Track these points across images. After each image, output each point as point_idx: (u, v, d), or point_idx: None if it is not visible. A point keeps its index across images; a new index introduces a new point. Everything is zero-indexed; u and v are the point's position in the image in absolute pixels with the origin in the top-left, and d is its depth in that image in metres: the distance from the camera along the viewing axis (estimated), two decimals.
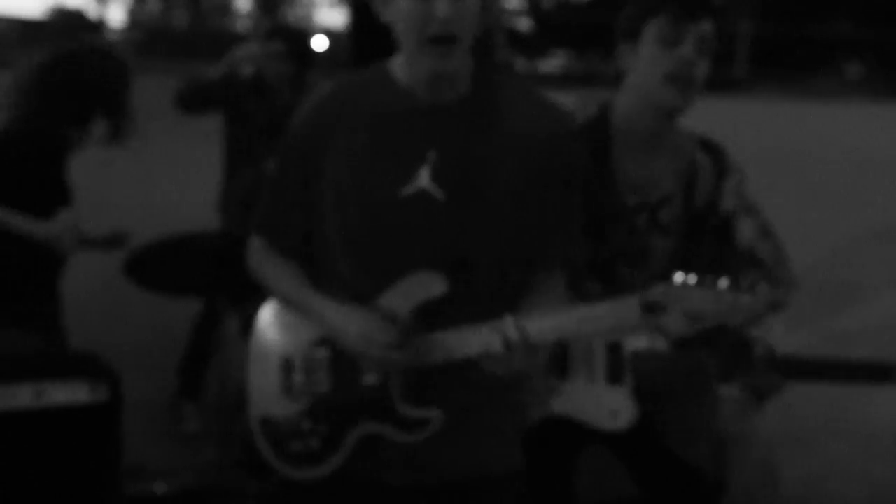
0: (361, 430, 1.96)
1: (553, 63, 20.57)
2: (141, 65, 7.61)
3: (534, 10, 20.27)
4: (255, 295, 4.42)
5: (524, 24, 20.91)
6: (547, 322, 1.83)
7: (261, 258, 2.12)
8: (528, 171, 1.95)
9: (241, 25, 33.04)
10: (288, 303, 2.08)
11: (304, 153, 2.01)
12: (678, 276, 1.73)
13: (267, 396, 2.07)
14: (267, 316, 2.17)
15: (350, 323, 1.92)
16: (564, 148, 1.98)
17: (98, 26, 14.93)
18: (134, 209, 5.80)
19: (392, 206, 1.93)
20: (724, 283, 1.70)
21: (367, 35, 6.67)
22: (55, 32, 17.44)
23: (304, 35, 4.57)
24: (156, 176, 5.93)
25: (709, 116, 4.52)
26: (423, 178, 1.92)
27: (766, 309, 1.71)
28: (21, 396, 3.36)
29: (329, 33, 28.60)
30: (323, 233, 2.01)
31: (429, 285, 1.91)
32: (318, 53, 4.69)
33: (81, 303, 5.05)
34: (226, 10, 33.29)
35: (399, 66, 1.98)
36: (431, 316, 1.90)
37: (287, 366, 2.05)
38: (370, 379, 1.95)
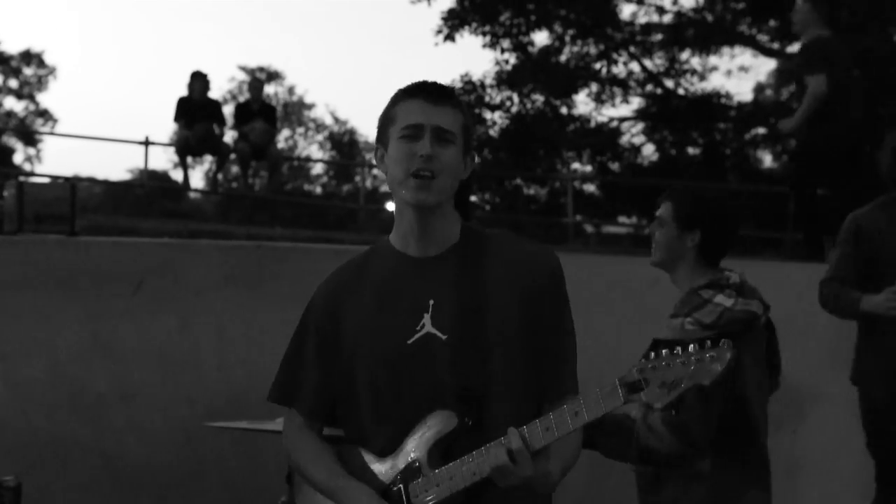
0: None
1: (621, 226, 20.75)
2: (223, 230, 7.90)
3: (602, 173, 20.60)
4: None
5: (593, 188, 21.24)
6: (544, 424, 1.98)
7: (292, 437, 2.30)
8: (516, 302, 2.14)
9: (318, 189, 34.03)
10: (318, 488, 2.23)
11: (319, 327, 2.26)
12: (650, 354, 1.87)
13: None
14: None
15: None
16: (546, 282, 2.18)
17: (181, 189, 15.48)
18: (210, 370, 5.93)
19: (403, 353, 2.14)
20: (690, 348, 1.82)
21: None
22: (141, 194, 18.13)
23: None
24: (233, 338, 6.07)
25: None
26: (427, 324, 2.14)
27: (733, 363, 1.81)
28: None
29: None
30: (347, 393, 2.22)
31: (441, 422, 2.08)
32: None
33: None
34: (303, 173, 34.38)
35: (393, 234, 2.25)
36: (450, 451, 2.08)
37: None
38: None
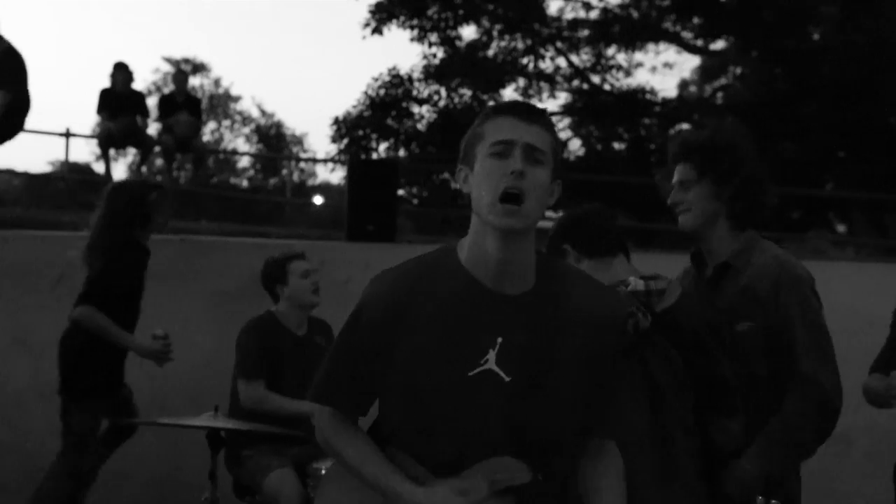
0: None
1: (547, 220, 20.86)
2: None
3: None
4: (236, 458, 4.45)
5: None
6: None
7: (333, 431, 2.23)
8: (585, 355, 2.14)
9: (245, 182, 33.73)
10: (366, 481, 2.17)
11: (375, 337, 2.14)
12: None
13: None
14: (332, 477, 2.29)
15: (434, 495, 2.08)
16: (615, 331, 2.21)
17: (103, 182, 15.22)
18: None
19: (461, 384, 2.09)
20: None
21: (360, 190, 7.06)
22: (62, 186, 17.77)
23: None
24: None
25: None
26: (490, 361, 2.09)
27: None
28: None
29: (328, 188, 29.32)
30: (396, 406, 2.16)
31: (514, 471, 2.08)
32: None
33: None
34: (229, 166, 34.02)
35: (466, 254, 2.15)
36: (521, 501, 2.09)
37: None
38: None
